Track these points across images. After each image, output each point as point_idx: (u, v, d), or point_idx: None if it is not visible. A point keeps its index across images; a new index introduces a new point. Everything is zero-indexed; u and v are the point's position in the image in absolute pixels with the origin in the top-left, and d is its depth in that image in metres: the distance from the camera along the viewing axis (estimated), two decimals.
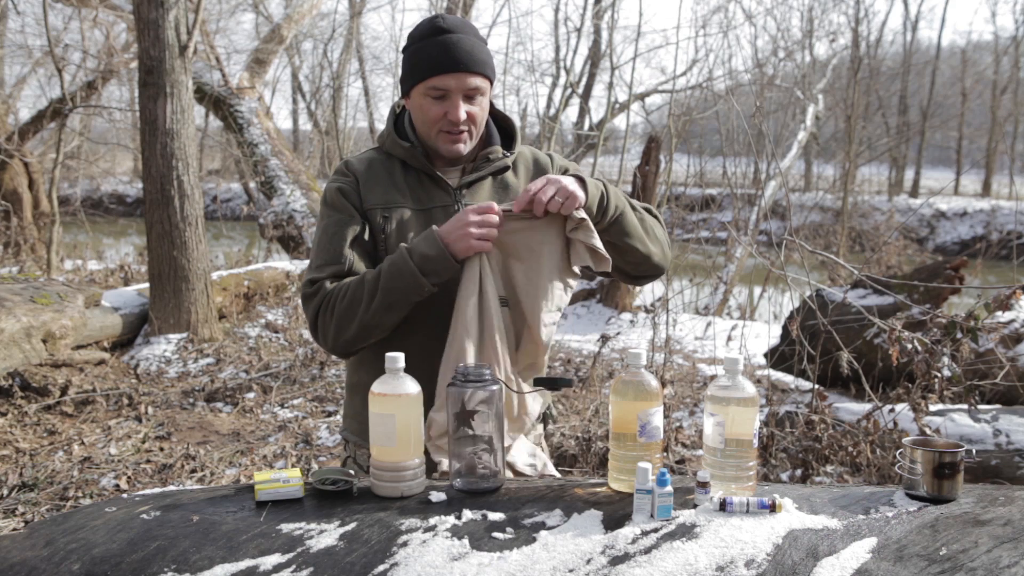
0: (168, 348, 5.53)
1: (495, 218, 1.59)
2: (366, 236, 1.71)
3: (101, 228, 14.49)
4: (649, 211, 1.83)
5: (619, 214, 1.68)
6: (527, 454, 1.73)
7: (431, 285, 1.61)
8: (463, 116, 1.67)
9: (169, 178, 5.55)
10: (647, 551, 1.21)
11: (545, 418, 1.90)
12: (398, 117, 1.82)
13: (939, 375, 3.12)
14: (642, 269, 1.79)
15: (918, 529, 1.27)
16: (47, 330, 4.15)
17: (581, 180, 1.63)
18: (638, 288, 8.04)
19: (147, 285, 5.86)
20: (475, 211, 1.59)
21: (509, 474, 1.65)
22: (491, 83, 1.73)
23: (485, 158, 1.77)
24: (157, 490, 1.51)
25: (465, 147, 1.72)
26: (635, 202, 1.79)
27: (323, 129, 13.63)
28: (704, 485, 1.37)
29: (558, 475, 1.76)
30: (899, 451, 1.47)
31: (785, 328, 4.80)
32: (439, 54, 1.65)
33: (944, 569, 1.15)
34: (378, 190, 1.74)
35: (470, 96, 1.68)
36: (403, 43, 1.76)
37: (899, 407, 3.43)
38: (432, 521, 1.31)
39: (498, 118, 1.85)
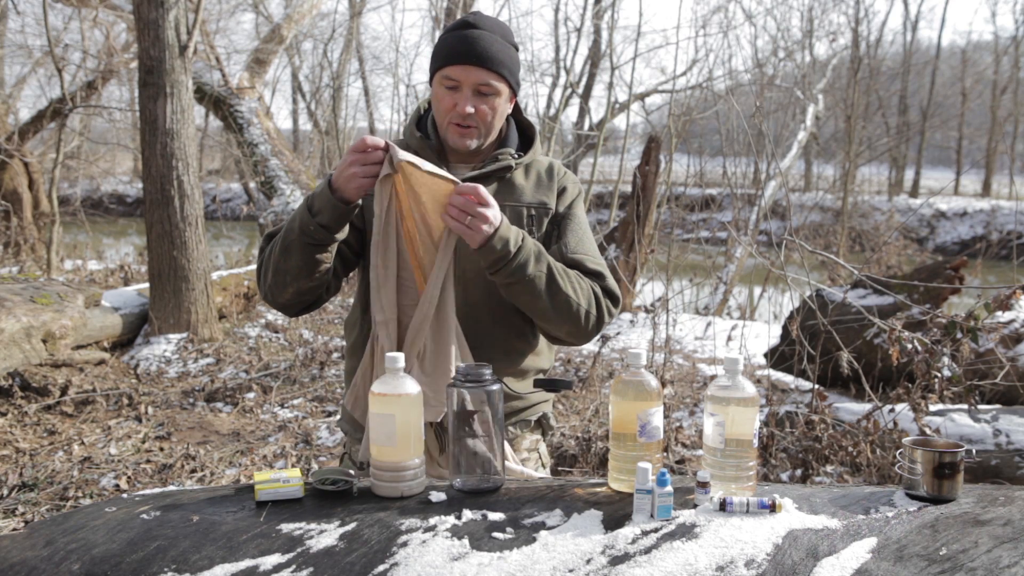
0: (168, 348, 5.53)
1: (375, 153, 1.55)
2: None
3: (101, 228, 14.50)
4: (600, 278, 1.73)
5: (517, 279, 1.60)
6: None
7: (319, 225, 1.59)
8: (469, 110, 1.68)
9: (169, 178, 5.55)
10: (647, 551, 1.21)
11: (542, 425, 1.89)
12: (425, 113, 1.85)
13: (939, 375, 3.11)
14: (547, 334, 1.75)
15: (918, 529, 1.27)
16: (47, 330, 4.15)
17: (498, 229, 1.56)
18: (638, 288, 8.03)
19: (147, 285, 5.86)
20: (352, 148, 1.57)
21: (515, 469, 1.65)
22: (511, 87, 1.73)
23: (495, 158, 1.78)
24: (157, 490, 1.51)
25: (473, 143, 1.73)
26: (567, 274, 1.67)
27: (323, 129, 13.63)
28: (704, 485, 1.37)
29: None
30: (899, 451, 1.47)
31: (785, 328, 4.80)
32: (456, 45, 1.68)
33: (944, 569, 1.15)
34: None
35: (483, 92, 1.69)
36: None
37: (899, 407, 3.43)
38: (432, 521, 1.31)
39: (523, 125, 1.87)
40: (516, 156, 1.80)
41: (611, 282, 1.75)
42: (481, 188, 1.57)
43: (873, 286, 4.70)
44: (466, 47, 1.67)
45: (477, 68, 1.66)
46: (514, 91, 1.75)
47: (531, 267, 1.61)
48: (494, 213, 1.57)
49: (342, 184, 1.57)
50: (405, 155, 1.56)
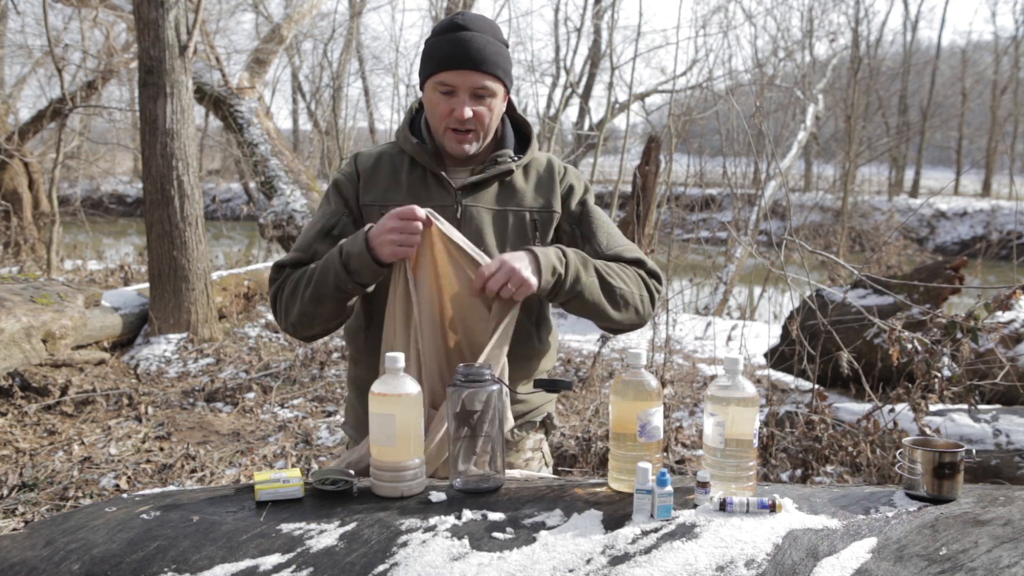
0: (168, 348, 5.53)
1: (417, 225, 1.54)
2: (336, 230, 1.73)
3: (101, 228, 14.49)
4: (640, 264, 1.76)
5: (575, 294, 1.62)
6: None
7: (356, 283, 1.60)
8: (468, 115, 1.66)
9: (169, 178, 5.55)
10: (647, 551, 1.21)
11: (545, 425, 1.89)
12: (416, 113, 1.83)
13: (939, 375, 3.11)
14: (609, 328, 1.76)
15: (918, 529, 1.27)
16: (47, 330, 4.15)
17: (536, 261, 1.57)
18: None
19: (147, 285, 5.86)
20: (397, 216, 1.55)
21: (515, 474, 1.64)
22: (505, 86, 1.71)
23: (493, 161, 1.76)
24: (157, 490, 1.51)
25: (472, 147, 1.71)
26: (610, 268, 1.70)
27: (323, 129, 13.62)
28: (704, 485, 1.37)
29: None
30: (899, 451, 1.47)
31: (785, 328, 4.80)
32: (449, 50, 1.65)
33: (944, 569, 1.15)
34: (378, 187, 1.75)
35: (479, 96, 1.67)
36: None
37: (899, 407, 3.43)
38: (432, 521, 1.31)
39: (517, 122, 1.85)
40: (514, 158, 1.78)
41: (651, 264, 1.78)
42: (483, 267, 1.55)
43: (873, 286, 4.70)
44: (460, 51, 1.64)
45: (472, 72, 1.64)
46: (508, 89, 1.73)
47: (584, 277, 1.63)
48: (520, 264, 1.54)
49: (378, 247, 1.56)
50: (444, 226, 1.58)
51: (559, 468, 3.75)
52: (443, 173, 1.74)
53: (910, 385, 3.40)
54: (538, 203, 1.77)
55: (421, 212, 1.56)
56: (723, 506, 1.32)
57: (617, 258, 1.75)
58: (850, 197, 13.83)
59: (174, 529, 1.30)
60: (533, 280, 1.55)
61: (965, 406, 3.46)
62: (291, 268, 1.73)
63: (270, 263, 7.83)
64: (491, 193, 1.76)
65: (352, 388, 1.84)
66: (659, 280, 1.78)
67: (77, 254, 10.54)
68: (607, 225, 1.81)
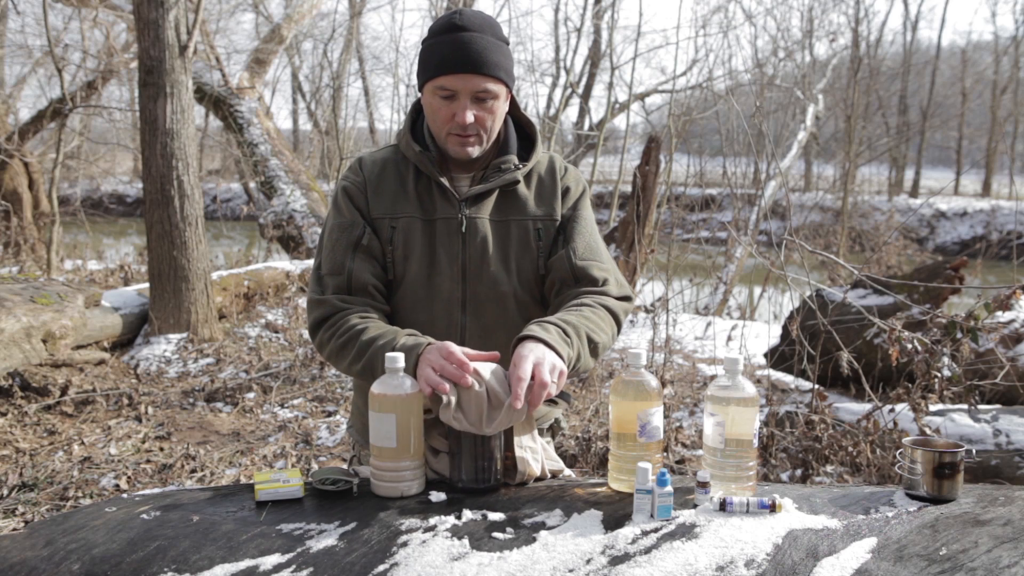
0: (168, 348, 5.53)
1: (462, 378, 1.42)
2: (365, 240, 1.68)
3: (101, 228, 14.49)
4: (607, 287, 1.69)
5: (574, 372, 1.56)
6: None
7: None
8: (470, 119, 1.61)
9: (169, 178, 5.55)
10: (647, 551, 1.21)
11: (552, 429, 1.89)
12: (418, 114, 1.77)
13: (939, 375, 3.12)
14: None
15: (918, 529, 1.27)
16: (47, 330, 4.15)
17: (558, 353, 1.47)
18: (638, 288, 8.03)
19: (147, 285, 5.86)
20: (449, 361, 1.43)
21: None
22: (508, 87, 1.66)
23: (496, 168, 1.71)
24: (157, 490, 1.51)
25: (475, 150, 1.67)
26: (599, 323, 1.61)
27: (323, 129, 13.62)
28: (704, 485, 1.37)
29: (570, 472, 1.73)
30: (899, 451, 1.47)
31: (785, 328, 4.80)
32: (449, 53, 1.59)
33: (944, 569, 1.15)
34: (386, 198, 1.71)
35: (480, 99, 1.62)
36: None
37: (899, 407, 3.43)
38: (432, 521, 1.31)
39: (521, 122, 1.79)
40: (518, 165, 1.74)
41: (616, 288, 1.71)
42: (540, 380, 1.41)
43: (873, 286, 4.70)
44: (459, 54, 1.58)
45: (473, 75, 1.59)
46: (510, 89, 1.69)
47: (585, 355, 1.57)
48: (549, 368, 1.43)
49: (419, 370, 1.46)
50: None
51: None
52: (447, 183, 1.70)
53: (910, 385, 3.40)
54: (540, 211, 1.73)
55: (445, 387, 1.41)
56: (723, 506, 1.32)
57: (584, 271, 1.68)
58: (850, 197, 13.83)
59: (174, 529, 1.30)
60: (564, 378, 1.48)
61: (965, 406, 3.46)
62: (334, 298, 1.65)
63: (270, 263, 7.83)
64: (494, 202, 1.72)
65: (359, 392, 1.82)
66: (629, 300, 1.72)
67: (77, 254, 10.54)
68: (590, 233, 1.75)
